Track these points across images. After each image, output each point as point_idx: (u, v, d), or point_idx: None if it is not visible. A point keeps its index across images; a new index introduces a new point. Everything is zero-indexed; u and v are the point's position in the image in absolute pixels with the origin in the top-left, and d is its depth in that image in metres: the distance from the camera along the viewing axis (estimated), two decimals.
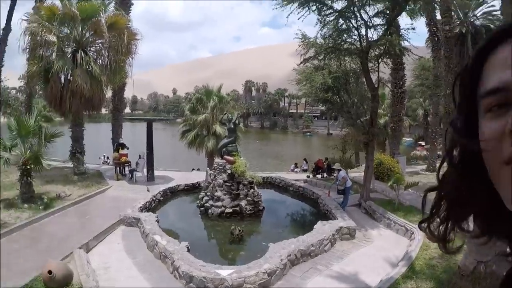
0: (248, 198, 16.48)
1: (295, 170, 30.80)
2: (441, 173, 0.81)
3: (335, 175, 24.09)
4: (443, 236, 0.80)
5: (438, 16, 27.38)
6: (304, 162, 32.47)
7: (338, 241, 12.80)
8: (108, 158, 33.37)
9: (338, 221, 13.78)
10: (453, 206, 0.78)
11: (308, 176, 24.50)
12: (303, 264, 11.02)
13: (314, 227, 13.11)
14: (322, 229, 12.78)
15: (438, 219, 0.80)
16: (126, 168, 23.37)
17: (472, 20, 34.49)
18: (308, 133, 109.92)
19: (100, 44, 21.90)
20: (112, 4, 23.71)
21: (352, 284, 9.64)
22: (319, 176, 24.93)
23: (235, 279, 9.11)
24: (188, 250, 11.11)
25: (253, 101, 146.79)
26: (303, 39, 16.73)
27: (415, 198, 17.15)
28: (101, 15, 20.96)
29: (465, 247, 8.62)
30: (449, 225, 0.79)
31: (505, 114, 0.62)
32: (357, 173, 24.07)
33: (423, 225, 0.84)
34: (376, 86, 17.08)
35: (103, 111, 28.86)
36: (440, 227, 0.80)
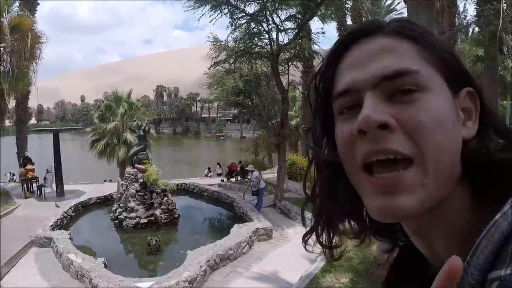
0: (163, 207, 16.13)
1: (209, 174, 30.73)
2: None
3: (249, 177, 24.39)
4: (328, 245, 0.80)
5: (349, 21, 28.49)
6: (218, 166, 32.49)
7: (256, 243, 12.91)
8: (14, 174, 31.15)
9: (254, 223, 13.92)
10: (327, 214, 0.79)
11: (222, 180, 24.57)
12: (223, 268, 10.98)
13: (231, 230, 13.12)
14: (239, 232, 12.82)
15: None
16: (34, 184, 21.60)
17: None
18: (222, 137, 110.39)
19: (1, 48, 20.47)
20: (16, 4, 22.22)
21: (273, 284, 9.75)
22: (233, 179, 25.07)
23: None
24: (106, 266, 10.65)
25: (164, 107, 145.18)
26: (214, 42, 16.75)
27: None
28: (3, 16, 19.57)
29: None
30: (330, 233, 0.79)
31: (355, 116, 0.62)
32: (271, 174, 24.44)
33: (306, 238, 0.84)
34: (286, 88, 17.44)
35: (6, 123, 27.13)
36: (324, 236, 0.79)
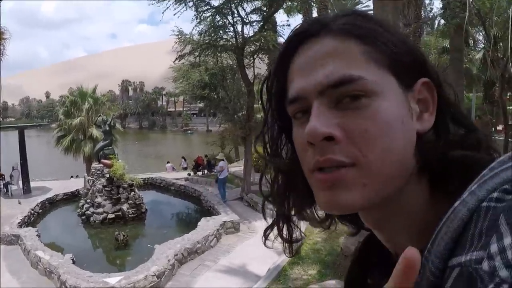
0: (130, 202, 16.03)
1: (173, 168, 30.42)
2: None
3: (215, 171, 24.41)
4: (288, 239, 0.80)
5: (315, 14, 28.61)
6: (183, 160, 32.29)
7: (224, 236, 12.95)
8: None
9: (222, 216, 13.97)
10: (287, 209, 0.80)
11: (189, 174, 24.50)
12: (191, 262, 10.99)
13: (198, 224, 13.12)
14: (207, 225, 12.84)
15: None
16: (0, 182, 21.43)
17: None
18: (189, 131, 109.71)
19: None
20: None
21: (242, 276, 9.81)
22: (200, 173, 25.04)
23: (124, 285, 8.84)
24: (74, 262, 10.54)
25: (130, 101, 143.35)
26: (179, 36, 16.62)
27: None
28: None
29: (347, 230, 9.19)
30: (290, 227, 0.79)
31: (307, 121, 0.62)
32: (237, 167, 24.48)
33: (267, 233, 0.84)
34: (252, 81, 17.46)
35: None
36: (284, 231, 0.80)
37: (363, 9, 35.20)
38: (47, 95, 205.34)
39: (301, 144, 0.65)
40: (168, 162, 31.68)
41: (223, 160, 18.31)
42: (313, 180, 0.64)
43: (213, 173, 24.17)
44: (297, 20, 24.88)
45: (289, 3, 17.14)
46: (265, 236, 0.84)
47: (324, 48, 0.64)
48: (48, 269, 10.37)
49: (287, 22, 17.40)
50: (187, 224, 15.49)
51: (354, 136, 0.59)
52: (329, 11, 30.11)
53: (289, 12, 17.52)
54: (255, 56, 17.63)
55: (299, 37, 0.68)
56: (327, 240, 10.93)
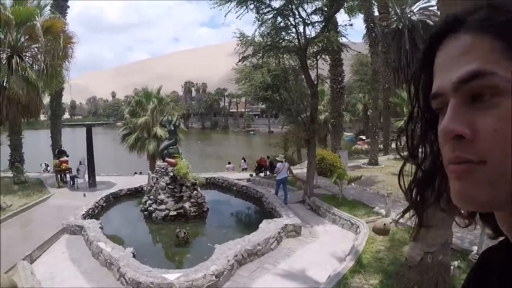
0: (192, 200, 16.26)
1: (233, 168, 30.58)
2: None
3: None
4: (418, 225, 0.83)
5: (376, 13, 28.02)
6: (243, 161, 32.36)
7: (284, 239, 12.78)
8: (48, 165, 32.09)
9: (283, 219, 13.77)
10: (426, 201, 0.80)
11: (251, 175, 24.50)
12: (250, 263, 10.91)
13: (260, 226, 13.02)
14: (268, 228, 12.73)
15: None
16: (67, 175, 22.53)
17: (409, 15, 35.70)
18: (252, 132, 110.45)
19: (36, 49, 20.96)
20: (48, 8, 22.72)
21: (301, 281, 9.62)
22: (262, 174, 24.98)
23: (183, 283, 8.88)
24: (134, 256, 10.77)
25: (193, 102, 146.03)
26: (241, 38, 16.64)
27: (359, 192, 17.52)
28: (37, 19, 20.05)
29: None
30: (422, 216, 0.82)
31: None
32: (300, 170, 24.26)
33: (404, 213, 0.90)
34: (315, 82, 17.22)
35: (42, 117, 27.81)
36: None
37: (424, 5, 34.36)
38: (113, 95, 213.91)
39: (440, 138, 0.67)
40: (229, 163, 31.89)
41: (281, 161, 18.34)
42: (447, 171, 0.66)
43: (274, 175, 24.11)
44: (358, 19, 24.36)
45: (350, 2, 16.73)
46: (402, 214, 0.95)
47: (461, 45, 0.65)
48: (108, 261, 10.67)
49: (349, 22, 16.94)
50: (248, 225, 15.47)
51: (483, 136, 0.61)
52: (389, 9, 29.51)
53: (350, 11, 17.10)
54: (318, 57, 17.37)
55: (441, 34, 0.69)
56: (391, 249, 10.58)
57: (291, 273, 10.15)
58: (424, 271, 7.65)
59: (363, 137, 51.87)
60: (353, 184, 17.74)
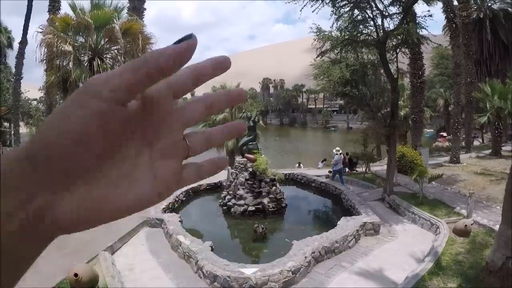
0: (271, 196, 16.41)
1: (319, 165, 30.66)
2: None
3: (357, 169, 23.96)
4: None
5: (455, 2, 26.77)
6: (320, 163, 32.23)
7: (362, 237, 12.62)
8: None
9: (362, 217, 13.57)
10: None
11: (330, 172, 24.30)
12: (327, 261, 10.87)
13: (338, 223, 12.96)
14: (346, 225, 12.61)
15: None
16: None
17: (489, 4, 33.85)
18: (333, 128, 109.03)
19: (115, 51, 22.01)
20: (125, 11, 23.82)
21: (378, 281, 9.45)
22: None
23: (259, 278, 9.03)
24: (212, 250, 11.08)
25: (271, 98, 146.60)
26: (318, 33, 16.49)
27: (440, 191, 16.88)
28: (115, 21, 21.08)
29: (494, 243, 8.38)
30: None
31: None
32: (379, 167, 23.77)
33: None
34: (395, 77, 16.77)
35: None
36: None
37: None
38: (192, 93, 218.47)
39: None
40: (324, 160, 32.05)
41: (337, 154, 20.26)
42: None
43: (354, 171, 23.79)
44: (438, 10, 23.39)
45: None
46: None
47: None
48: (187, 254, 11.01)
49: (428, 13, 16.19)
50: (326, 222, 15.39)
51: None
52: None
53: (428, 1, 16.35)
54: (398, 50, 16.85)
55: None
56: (471, 252, 10.14)
57: (368, 272, 10.01)
58: (505, 277, 7.29)
59: (444, 134, 49.96)
60: (433, 182, 17.16)
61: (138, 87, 0.44)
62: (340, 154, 20.85)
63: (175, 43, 0.45)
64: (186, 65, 0.47)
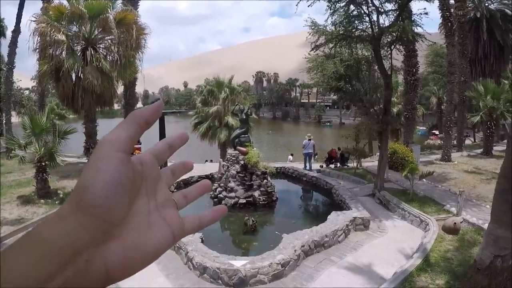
0: (262, 189, 16.44)
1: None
2: None
3: (348, 164, 24.03)
4: None
5: (452, 0, 26.78)
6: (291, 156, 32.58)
7: (352, 232, 12.67)
8: None
9: (352, 212, 13.63)
10: None
11: (321, 166, 24.37)
12: (316, 254, 10.92)
13: (328, 217, 12.99)
14: (336, 220, 12.66)
15: None
16: None
17: (486, 4, 33.89)
18: (328, 123, 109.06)
19: (109, 41, 21.94)
20: (120, 0, 23.70)
21: (366, 276, 9.51)
22: (332, 166, 24.78)
23: (249, 270, 9.07)
24: (202, 241, 11.09)
25: (264, 92, 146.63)
26: (313, 27, 16.45)
27: (430, 188, 16.98)
28: (109, 11, 20.99)
29: (482, 241, 8.45)
30: None
31: None
32: (370, 163, 23.84)
33: None
34: (389, 73, 16.80)
35: (115, 106, 29.19)
36: None
37: None
38: (185, 84, 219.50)
39: None
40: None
41: (308, 140, 23.37)
42: None
43: (345, 167, 23.86)
44: (434, 8, 23.40)
45: None
46: None
47: None
48: (177, 245, 10.92)
49: (424, 10, 16.14)
50: (316, 216, 15.48)
51: None
52: None
53: None
54: (392, 47, 16.86)
55: None
56: (460, 249, 10.22)
57: (357, 267, 10.07)
58: (493, 275, 7.35)
59: (436, 132, 50.31)
60: (424, 179, 17.27)
61: (137, 137, 0.57)
62: (309, 140, 23.53)
63: (151, 103, 0.63)
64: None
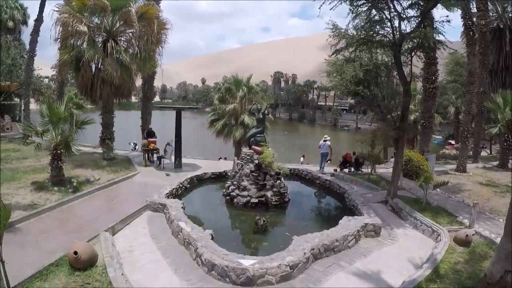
0: (274, 189, 16.43)
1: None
2: None
3: (362, 170, 23.90)
4: None
5: (475, 9, 26.43)
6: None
7: (363, 238, 12.60)
8: (136, 144, 33.98)
9: (364, 217, 13.54)
10: None
11: (335, 170, 24.27)
12: (326, 258, 10.87)
13: (340, 222, 12.93)
14: (347, 225, 12.60)
15: None
16: (155, 155, 23.84)
17: (510, 15, 33.38)
18: (346, 128, 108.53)
19: (130, 34, 22.17)
20: None
21: (374, 283, 9.41)
22: (346, 170, 24.66)
23: (257, 270, 9.06)
24: (212, 238, 11.12)
25: (281, 92, 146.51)
26: (334, 30, 16.36)
27: (443, 198, 16.81)
28: (132, 5, 21.18)
29: (494, 255, 8.33)
30: None
31: None
32: (384, 169, 23.69)
33: None
34: (408, 80, 16.66)
35: (133, 99, 29.38)
36: None
37: None
38: (203, 81, 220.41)
39: None
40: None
41: (323, 141, 23.87)
42: None
43: (359, 172, 23.73)
44: (456, 16, 23.10)
45: None
46: None
47: None
48: (187, 240, 11.11)
49: (447, 18, 15.95)
50: (328, 220, 15.37)
51: None
52: (488, 5, 27.58)
53: (447, 6, 16.12)
54: (413, 53, 16.70)
55: None
56: (470, 262, 10.10)
57: (366, 273, 9.98)
58: None
59: (452, 142, 49.77)
60: (438, 189, 17.08)
61: None
62: (324, 141, 23.97)
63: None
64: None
